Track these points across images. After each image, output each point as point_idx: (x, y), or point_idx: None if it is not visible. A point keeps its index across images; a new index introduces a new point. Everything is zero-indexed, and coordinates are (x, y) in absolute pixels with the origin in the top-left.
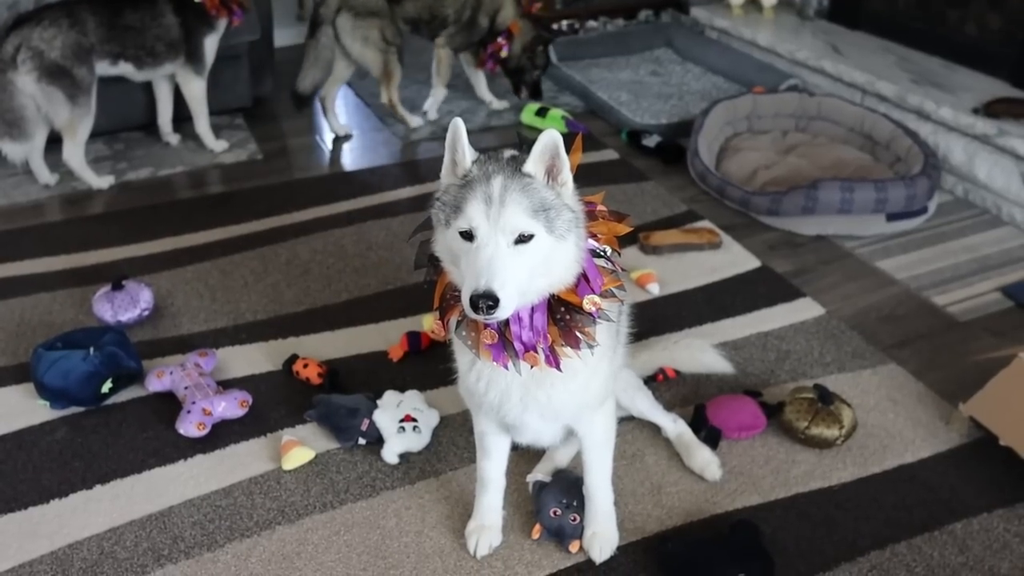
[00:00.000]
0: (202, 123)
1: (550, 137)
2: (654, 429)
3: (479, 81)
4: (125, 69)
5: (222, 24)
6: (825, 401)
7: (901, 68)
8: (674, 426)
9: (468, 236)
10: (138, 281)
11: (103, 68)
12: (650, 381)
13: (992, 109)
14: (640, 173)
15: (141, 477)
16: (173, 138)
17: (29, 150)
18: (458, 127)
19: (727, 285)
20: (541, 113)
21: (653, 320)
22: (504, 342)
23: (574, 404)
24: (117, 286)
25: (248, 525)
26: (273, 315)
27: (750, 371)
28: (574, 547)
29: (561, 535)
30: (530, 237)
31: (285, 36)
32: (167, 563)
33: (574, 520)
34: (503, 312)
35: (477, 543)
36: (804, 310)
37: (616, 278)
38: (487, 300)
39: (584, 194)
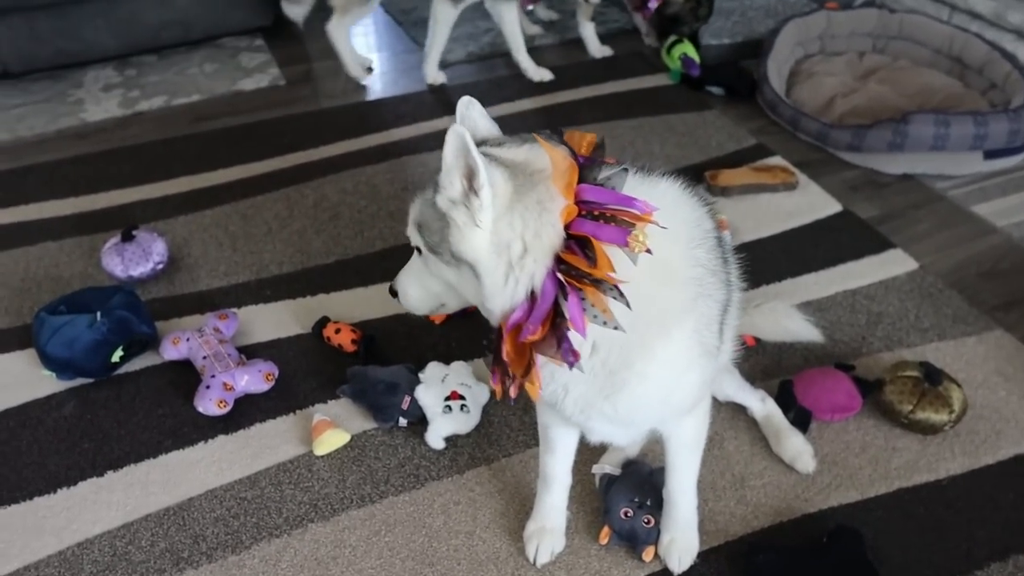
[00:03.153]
0: (433, 54)
1: (453, 136)
2: (734, 408)
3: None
4: None
5: None
6: (933, 381)
7: None
8: (762, 406)
9: None
10: (151, 231)
11: None
12: (739, 351)
13: None
14: (702, 101)
15: (157, 462)
16: (540, 74)
17: (306, 11)
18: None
19: (806, 233)
20: (670, 48)
21: None
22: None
23: (651, 416)
24: (127, 237)
25: (277, 522)
26: (300, 267)
27: (838, 337)
28: (648, 555)
29: (633, 540)
30: (419, 251)
31: None
32: (187, 567)
33: (648, 523)
34: (406, 305)
35: (537, 549)
36: (895, 263)
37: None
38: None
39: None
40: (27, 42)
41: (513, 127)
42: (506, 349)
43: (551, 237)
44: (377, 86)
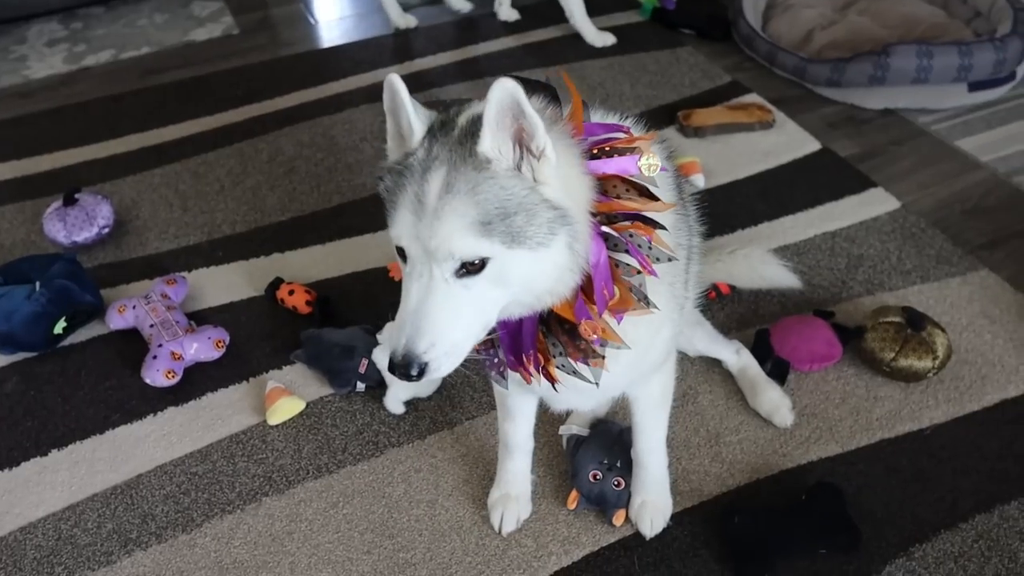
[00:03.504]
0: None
1: (502, 91)
2: (708, 360)
3: None
4: None
5: None
6: (916, 326)
7: None
8: (737, 358)
9: (403, 253)
10: (95, 193)
11: None
12: (700, 299)
13: None
14: (674, 38)
15: (103, 438)
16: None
17: None
18: (395, 86)
19: (783, 173)
20: None
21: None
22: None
23: (623, 382)
24: (70, 201)
25: (230, 497)
26: (254, 226)
27: (817, 282)
28: (618, 519)
29: (603, 503)
30: (480, 265)
31: None
32: (136, 549)
33: (618, 485)
34: (437, 373)
35: (503, 517)
36: (876, 203)
37: (635, 298)
38: (406, 368)
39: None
40: None
41: (481, 69)
42: (595, 327)
43: (587, 187)
44: (337, 31)
